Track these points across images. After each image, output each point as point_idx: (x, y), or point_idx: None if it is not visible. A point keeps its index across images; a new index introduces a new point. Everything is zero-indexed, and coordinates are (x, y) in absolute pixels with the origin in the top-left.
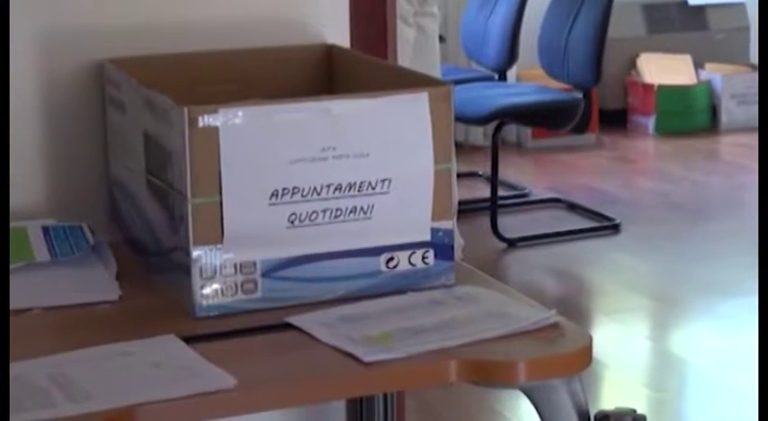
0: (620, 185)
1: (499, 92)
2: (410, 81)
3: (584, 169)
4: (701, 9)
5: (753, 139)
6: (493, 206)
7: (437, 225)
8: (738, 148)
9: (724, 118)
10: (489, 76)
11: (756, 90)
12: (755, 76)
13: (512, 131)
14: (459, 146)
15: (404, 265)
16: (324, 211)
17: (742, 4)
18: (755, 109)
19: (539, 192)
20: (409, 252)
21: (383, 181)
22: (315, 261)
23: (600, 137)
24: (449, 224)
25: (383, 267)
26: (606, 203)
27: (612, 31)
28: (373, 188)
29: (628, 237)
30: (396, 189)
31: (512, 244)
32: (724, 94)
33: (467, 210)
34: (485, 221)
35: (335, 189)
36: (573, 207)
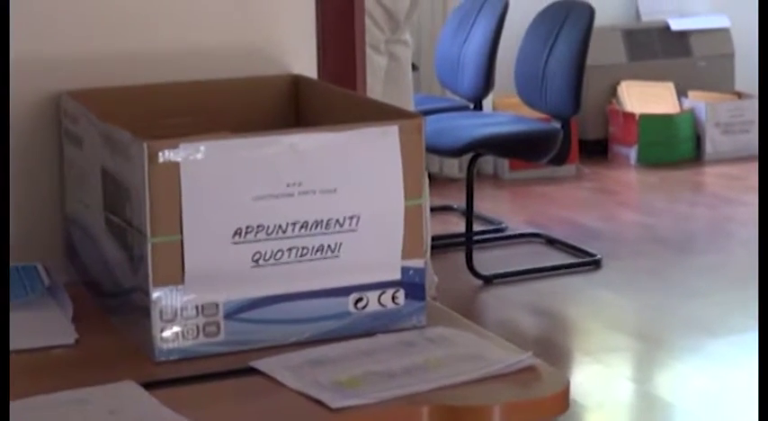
0: (601, 219)
1: (475, 122)
2: (380, 113)
3: (564, 202)
4: (683, 35)
5: (738, 170)
6: (468, 241)
7: (408, 263)
8: (724, 179)
9: (708, 148)
10: (464, 105)
11: (742, 119)
12: (740, 104)
13: (488, 163)
14: (433, 178)
15: (373, 306)
16: (289, 250)
17: (726, 30)
18: (741, 138)
19: (516, 227)
20: (379, 292)
21: (351, 218)
22: (280, 302)
23: (580, 168)
24: (420, 262)
25: (351, 308)
26: (587, 238)
27: (592, 58)
28: (341, 225)
29: (609, 272)
30: (364, 226)
31: (488, 281)
32: (708, 123)
33: (441, 245)
34: (459, 257)
35: (301, 227)
36: (552, 242)
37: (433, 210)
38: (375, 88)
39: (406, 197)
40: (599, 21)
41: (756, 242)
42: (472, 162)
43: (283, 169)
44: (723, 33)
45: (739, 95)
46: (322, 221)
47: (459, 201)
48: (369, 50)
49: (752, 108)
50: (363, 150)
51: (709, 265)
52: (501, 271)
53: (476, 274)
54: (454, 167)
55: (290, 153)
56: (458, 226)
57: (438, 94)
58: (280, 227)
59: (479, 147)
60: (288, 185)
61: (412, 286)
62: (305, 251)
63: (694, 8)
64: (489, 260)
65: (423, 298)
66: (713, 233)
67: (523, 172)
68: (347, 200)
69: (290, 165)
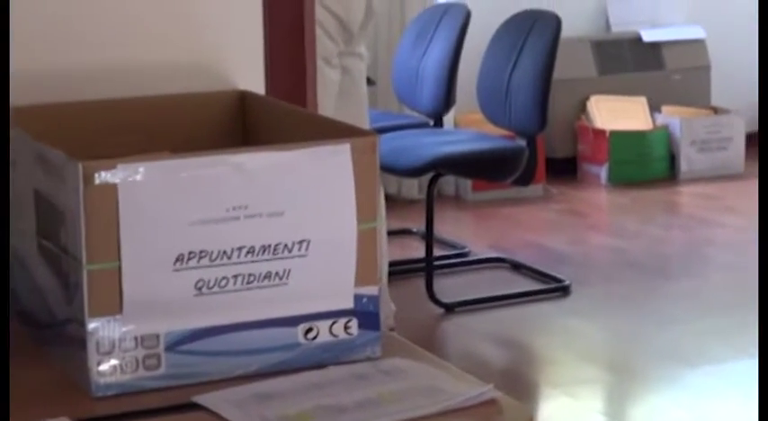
0: (570, 242)
1: (435, 140)
2: (331, 131)
3: (530, 224)
4: (656, 47)
5: (715, 189)
6: (428, 267)
7: (361, 291)
8: (700, 200)
9: (683, 166)
10: (424, 122)
11: (719, 135)
12: (717, 119)
13: (449, 183)
14: (391, 200)
15: (324, 336)
16: (234, 277)
17: (701, 41)
18: (718, 156)
19: (480, 251)
20: (330, 321)
21: (300, 243)
22: (225, 332)
23: (547, 188)
24: (374, 289)
25: (301, 339)
26: (555, 262)
27: (559, 72)
28: (289, 251)
29: (579, 299)
30: (315, 251)
31: (449, 309)
32: (683, 141)
33: (399, 271)
34: (419, 284)
35: (248, 252)
36: (518, 267)
37: (391, 233)
38: (327, 104)
39: (360, 220)
40: (566, 32)
41: (736, 266)
42: (432, 182)
43: (228, 191)
44: (698, 45)
45: (716, 110)
46: (269, 246)
47: (418, 224)
48: (320, 63)
49: (729, 124)
50: (313, 170)
51: (686, 291)
52: (463, 298)
53: (436, 302)
54: (413, 188)
55: (236, 174)
56: (417, 250)
57: (395, 111)
58: (224, 252)
59: (440, 167)
60: (233, 208)
61: (366, 315)
62: (251, 278)
63: (668, 18)
64: (451, 287)
65: (377, 327)
66: (689, 257)
67: (487, 193)
68: (296, 223)
69: (235, 186)
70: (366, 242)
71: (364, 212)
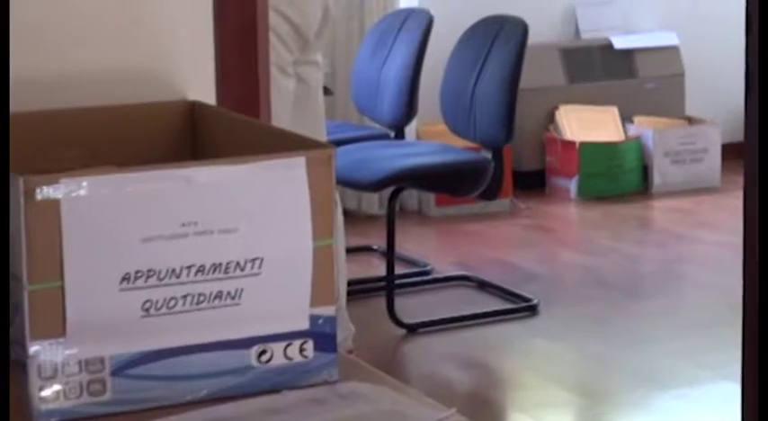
0: (538, 259)
1: (396, 152)
2: (286, 143)
3: (496, 241)
4: (628, 54)
5: (690, 203)
6: (389, 286)
7: (317, 311)
8: (674, 214)
9: (657, 179)
10: (384, 133)
11: (693, 147)
12: (692, 130)
13: (412, 198)
14: (350, 215)
15: (278, 359)
16: (184, 297)
17: (675, 48)
18: (692, 168)
19: (443, 269)
20: (285, 343)
21: (253, 261)
22: (174, 356)
23: (514, 203)
24: (331, 310)
25: (254, 362)
26: (522, 281)
27: (526, 80)
28: (242, 269)
29: (547, 319)
30: (268, 270)
31: (412, 330)
32: (656, 152)
33: (359, 290)
34: (380, 304)
35: (197, 271)
36: (483, 285)
37: (349, 251)
38: (282, 115)
39: (315, 237)
40: (534, 38)
41: (712, 284)
42: (393, 197)
43: (177, 206)
44: (671, 52)
45: (690, 120)
46: (221, 265)
47: (379, 241)
48: (275, 72)
49: (704, 135)
50: (267, 185)
51: (659, 311)
52: (426, 318)
53: (398, 323)
54: (374, 203)
55: (185, 188)
56: (378, 268)
57: (355, 122)
58: (173, 271)
59: (401, 181)
60: (182, 225)
61: (322, 336)
62: (202, 298)
63: (640, 24)
64: (413, 306)
65: (334, 349)
66: (663, 275)
67: (451, 208)
68: (249, 240)
69: (184, 201)
70: (322, 260)
71: (320, 229)
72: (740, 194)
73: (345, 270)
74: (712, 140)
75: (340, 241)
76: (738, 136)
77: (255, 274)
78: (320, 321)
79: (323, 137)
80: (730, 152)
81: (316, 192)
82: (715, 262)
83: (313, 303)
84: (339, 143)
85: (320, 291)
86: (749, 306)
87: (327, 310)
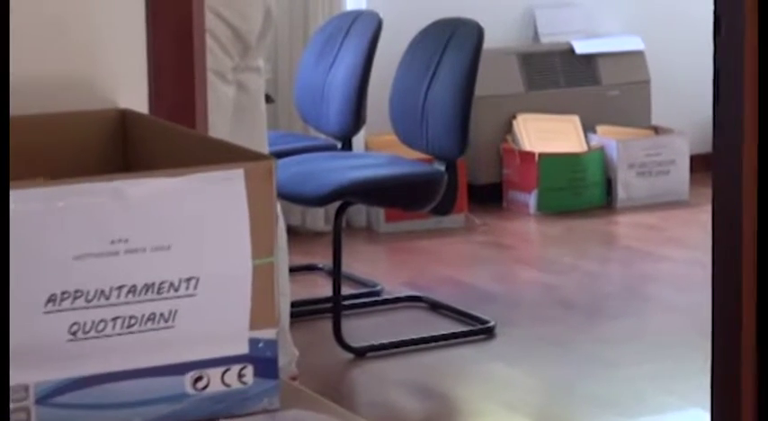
0: (494, 278)
1: (343, 164)
2: (223, 154)
3: (451, 259)
4: (590, 59)
5: (656, 219)
6: (336, 307)
7: (257, 334)
8: (640, 230)
9: (621, 193)
10: (330, 144)
11: (660, 158)
12: (658, 140)
13: (360, 213)
14: (294, 232)
15: (216, 386)
16: (114, 320)
17: (640, 53)
18: (659, 181)
19: (394, 289)
20: (222, 369)
21: (188, 280)
22: (104, 382)
23: (469, 218)
24: (271, 333)
25: (189, 388)
26: (478, 301)
27: (482, 87)
28: (176, 289)
29: (505, 342)
30: (204, 290)
31: (360, 354)
32: (620, 164)
33: (303, 312)
34: (326, 326)
35: (128, 291)
36: (436, 307)
37: (293, 269)
38: (220, 124)
39: (255, 255)
40: (490, 43)
41: (680, 304)
42: (340, 212)
43: (107, 222)
44: (636, 57)
45: (656, 130)
46: (153, 285)
47: (325, 260)
48: (213, 78)
49: (671, 145)
50: (202, 199)
51: (624, 333)
52: (375, 342)
53: (345, 347)
54: (319, 219)
55: (115, 203)
56: (324, 289)
57: (299, 132)
58: (102, 292)
59: (348, 195)
60: (112, 242)
61: (262, 361)
62: (133, 321)
63: (602, 28)
64: (361, 329)
65: (275, 375)
66: (628, 294)
67: (402, 223)
68: (183, 259)
69: (114, 217)
70: (262, 279)
71: (260, 246)
72: (710, 208)
73: (288, 290)
74: (680, 151)
75: (282, 259)
76: (708, 146)
77: (190, 295)
78: (260, 345)
79: (264, 148)
80: (699, 164)
81: (255, 206)
82: (683, 281)
83: (252, 326)
84: (282, 154)
85: (260, 313)
86: (719, 328)
87: (268, 333)
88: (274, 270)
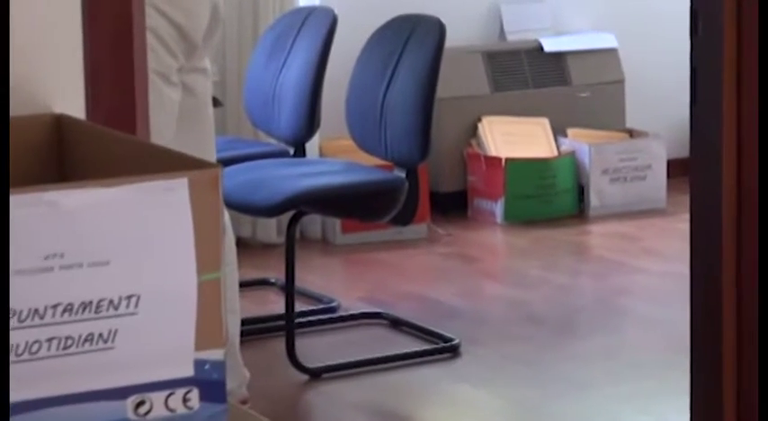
0: (459, 293)
1: (296, 171)
2: (165, 162)
3: (412, 272)
4: (560, 58)
5: (632, 228)
6: (290, 325)
7: (203, 355)
8: (614, 240)
9: (594, 201)
10: (283, 150)
11: (635, 163)
12: (633, 144)
13: (315, 224)
14: (244, 244)
15: (159, 411)
16: (49, 341)
17: (613, 51)
18: (634, 188)
19: (352, 305)
20: (166, 393)
21: (129, 298)
22: (38, 408)
23: (432, 229)
24: (219, 354)
25: (131, 414)
26: (442, 318)
27: (445, 89)
28: (116, 308)
29: (471, 362)
30: (146, 308)
31: (315, 375)
32: (593, 170)
33: (254, 331)
34: (279, 346)
35: (64, 310)
36: (397, 324)
37: (244, 285)
38: (164, 130)
39: (200, 270)
40: (452, 40)
41: (657, 319)
42: (293, 223)
43: (40, 236)
44: (609, 55)
45: (631, 133)
46: (91, 303)
47: (277, 274)
48: (156, 81)
49: (647, 149)
50: (143, 211)
51: (597, 351)
52: (332, 362)
53: (299, 367)
54: (271, 230)
55: (49, 215)
56: (276, 305)
57: (249, 137)
58: (36, 311)
59: (302, 204)
60: (46, 257)
61: (209, 384)
62: (69, 342)
63: (572, 24)
64: (317, 348)
65: (223, 399)
66: (602, 310)
67: (360, 235)
68: (123, 275)
69: (48, 230)
70: (209, 296)
71: (206, 260)
72: (688, 217)
73: (238, 307)
74: (657, 156)
75: (231, 274)
76: (687, 150)
77: (131, 314)
78: (207, 367)
79: (212, 154)
80: (677, 169)
81: (200, 218)
82: (660, 294)
83: (198, 346)
84: (231, 161)
85: (207, 333)
86: (697, 345)
87: (215, 354)
88: (222, 286)
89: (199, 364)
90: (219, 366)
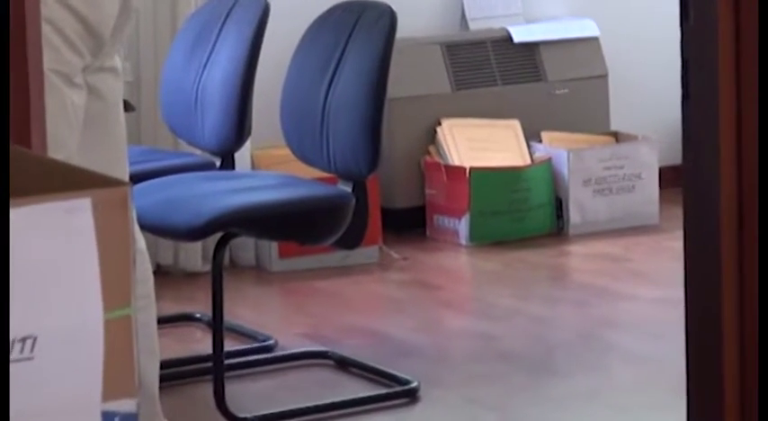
0: (418, 327)
1: (223, 186)
2: (65, 179)
3: (362, 304)
4: (532, 49)
5: (619, 248)
6: (218, 367)
7: (112, 406)
8: (598, 263)
9: (574, 216)
10: (207, 162)
11: (622, 172)
12: (619, 149)
13: (247, 248)
14: (163, 273)
15: None
16: None
17: (594, 41)
18: (622, 201)
19: (291, 343)
20: None
21: (23, 340)
22: None
23: (385, 252)
24: (130, 404)
25: None
26: (397, 356)
27: (397, 87)
28: (8, 352)
29: (432, 407)
30: (44, 352)
31: None
32: (573, 180)
33: (177, 374)
34: (205, 392)
35: None
36: (345, 364)
37: (164, 321)
38: (67, 140)
39: (107, 306)
40: (406, 30)
41: (648, 354)
42: (221, 247)
43: None
44: (590, 46)
45: (617, 137)
46: None
47: (204, 307)
48: (57, 82)
49: (636, 155)
50: (40, 237)
51: (578, 393)
52: (267, 410)
53: (230, 417)
54: (195, 256)
55: None
56: (203, 344)
57: (168, 147)
58: None
59: (231, 225)
60: None
61: None
62: None
63: (546, 10)
64: (251, 395)
65: None
66: (584, 344)
67: (300, 260)
68: (17, 313)
69: None
70: (118, 336)
71: (114, 294)
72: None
73: (157, 347)
74: (647, 163)
75: (147, 310)
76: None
77: (27, 359)
78: (116, 419)
79: (123, 168)
80: (672, 178)
81: (107, 244)
82: (652, 326)
83: (106, 395)
84: (146, 176)
85: (116, 379)
86: (695, 385)
87: (126, 405)
88: (133, 323)
89: (107, 417)
90: (131, 419)
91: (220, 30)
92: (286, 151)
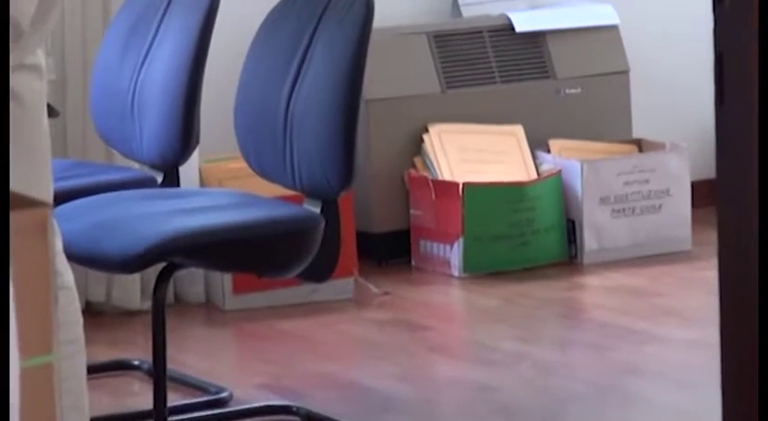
0: (401, 376)
1: (165, 207)
2: None
3: (333, 348)
4: (537, 40)
5: (644, 279)
6: None
7: None
8: (618, 297)
9: (589, 242)
10: (147, 177)
11: (647, 187)
12: (643, 160)
13: (196, 281)
14: (95, 312)
15: None
16: None
17: (613, 30)
18: (646, 223)
19: (248, 396)
20: None
21: None
22: None
23: (361, 285)
24: None
25: None
26: (376, 411)
27: (376, 87)
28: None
29: None
30: None
31: None
32: (588, 198)
33: None
34: None
35: None
36: (313, 420)
37: (95, 370)
38: None
39: (24, 353)
40: (386, 19)
41: (678, 408)
42: (163, 281)
43: None
44: (607, 36)
45: (640, 146)
46: None
47: (143, 353)
48: None
49: (663, 168)
50: None
51: None
52: None
53: None
54: (133, 292)
55: None
56: (142, 397)
57: (99, 160)
58: None
59: (175, 254)
60: None
61: None
62: None
63: None
64: None
65: None
66: (600, 395)
67: (258, 296)
68: None
69: None
70: (37, 387)
71: (32, 339)
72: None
73: (86, 402)
74: (677, 177)
75: (75, 356)
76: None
77: None
78: None
79: (46, 184)
80: (706, 194)
81: (24, 278)
82: (684, 373)
83: None
84: (74, 194)
85: None
86: None
87: None
88: (55, 373)
89: None
90: None
91: (161, 20)
92: (242, 164)
